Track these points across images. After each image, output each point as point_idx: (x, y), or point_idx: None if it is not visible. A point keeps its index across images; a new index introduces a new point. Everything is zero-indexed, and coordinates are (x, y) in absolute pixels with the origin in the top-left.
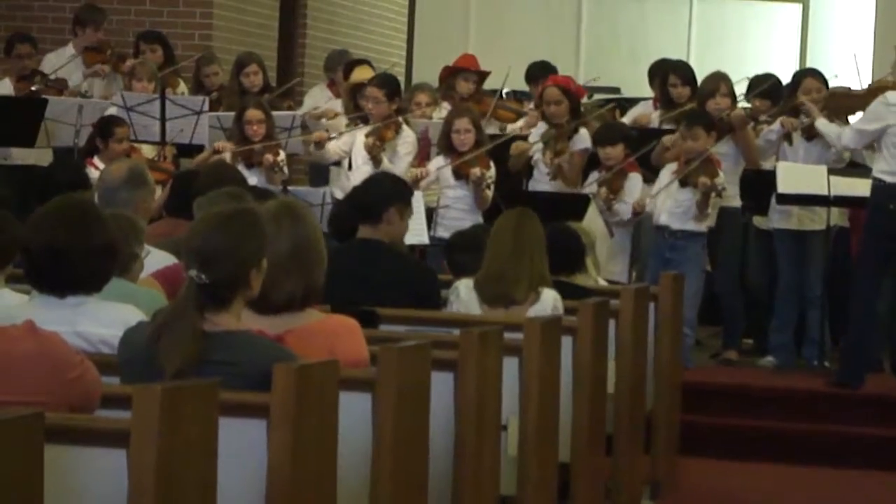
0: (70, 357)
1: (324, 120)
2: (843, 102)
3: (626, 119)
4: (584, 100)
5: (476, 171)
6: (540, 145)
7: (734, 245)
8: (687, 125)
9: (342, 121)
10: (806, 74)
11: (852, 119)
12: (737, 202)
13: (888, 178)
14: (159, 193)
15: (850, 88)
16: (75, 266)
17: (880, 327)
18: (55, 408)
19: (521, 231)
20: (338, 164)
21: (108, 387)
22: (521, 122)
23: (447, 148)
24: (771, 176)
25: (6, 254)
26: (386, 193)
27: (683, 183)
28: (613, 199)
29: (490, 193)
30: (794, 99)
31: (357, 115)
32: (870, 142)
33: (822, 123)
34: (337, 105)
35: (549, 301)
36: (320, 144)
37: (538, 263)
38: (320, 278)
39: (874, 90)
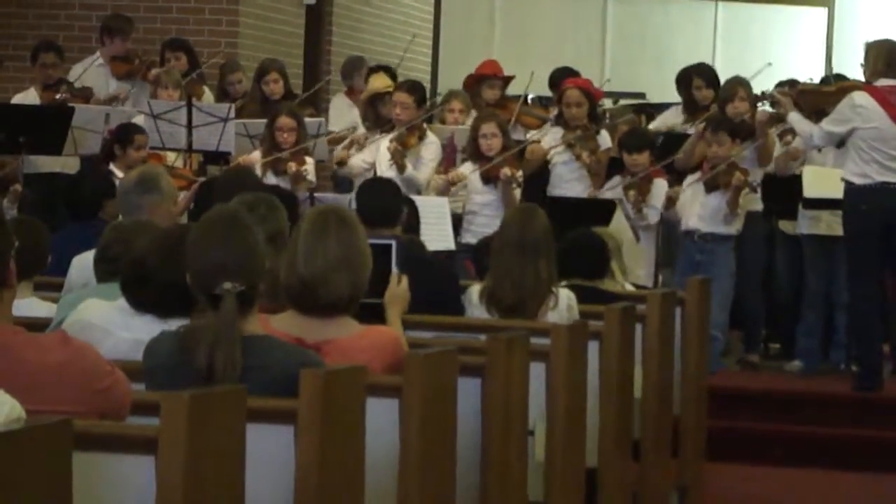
0: (101, 367)
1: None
2: (812, 99)
3: (655, 124)
4: (610, 105)
5: (506, 170)
6: (560, 149)
7: (756, 248)
8: (713, 131)
9: (360, 132)
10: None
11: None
12: (758, 206)
13: (857, 180)
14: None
15: (819, 85)
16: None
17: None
18: (85, 417)
19: (524, 240)
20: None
21: (136, 393)
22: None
23: (474, 154)
24: (798, 180)
25: (35, 262)
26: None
27: (711, 188)
28: (643, 202)
29: (518, 194)
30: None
31: (377, 124)
32: (839, 142)
33: (794, 118)
34: (355, 115)
35: (563, 302)
36: (343, 163)
37: (545, 269)
38: (365, 281)
39: (843, 89)
